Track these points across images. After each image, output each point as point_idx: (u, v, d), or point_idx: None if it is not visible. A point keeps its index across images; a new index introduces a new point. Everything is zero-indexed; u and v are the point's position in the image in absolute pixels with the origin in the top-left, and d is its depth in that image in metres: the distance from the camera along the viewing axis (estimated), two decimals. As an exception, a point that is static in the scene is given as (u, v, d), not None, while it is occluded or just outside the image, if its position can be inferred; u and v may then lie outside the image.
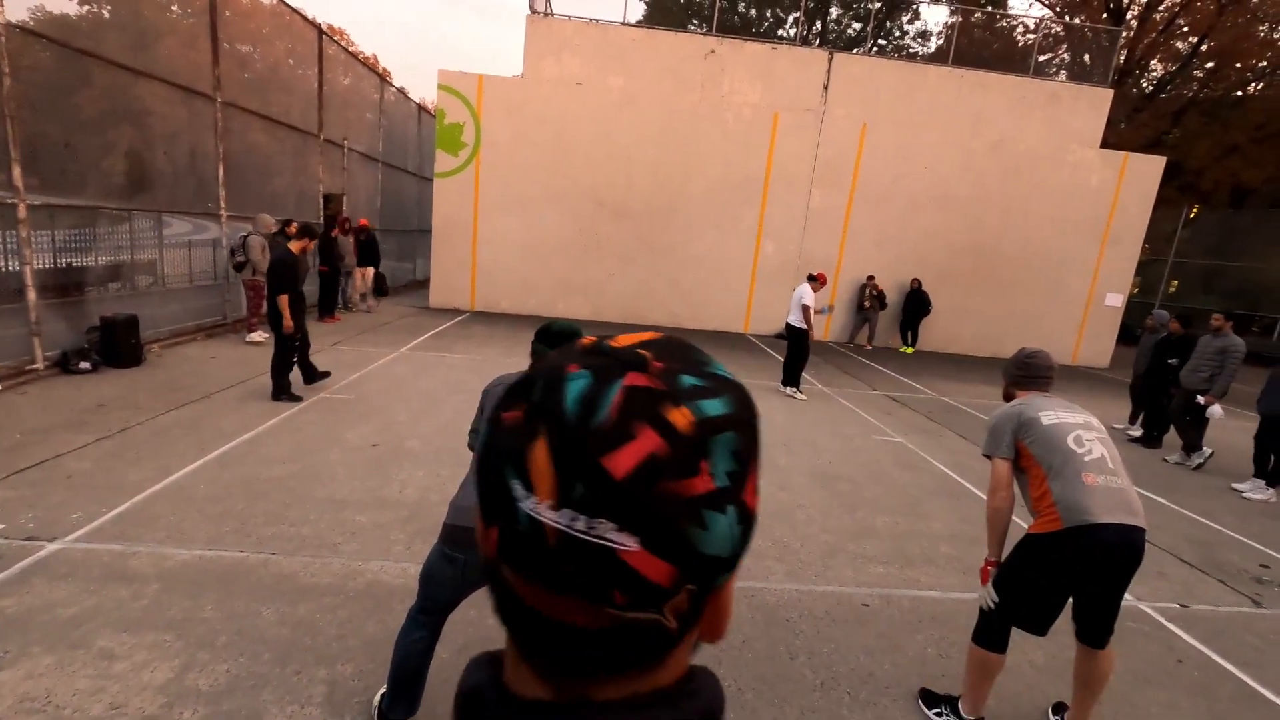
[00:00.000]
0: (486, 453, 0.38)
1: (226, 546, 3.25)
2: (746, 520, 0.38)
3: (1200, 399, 6.24)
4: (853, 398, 8.11)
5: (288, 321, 5.61)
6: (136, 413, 5.08)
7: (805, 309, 7.48)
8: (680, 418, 0.36)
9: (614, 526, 0.34)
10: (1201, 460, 6.46)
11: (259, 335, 7.90)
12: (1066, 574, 2.24)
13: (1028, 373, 2.53)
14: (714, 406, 0.37)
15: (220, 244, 8.49)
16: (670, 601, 0.37)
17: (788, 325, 7.75)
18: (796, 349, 7.70)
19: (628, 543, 0.34)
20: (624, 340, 0.40)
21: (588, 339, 0.42)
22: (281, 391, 5.70)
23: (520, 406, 0.38)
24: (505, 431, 0.37)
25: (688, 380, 0.38)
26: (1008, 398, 2.60)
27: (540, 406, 0.37)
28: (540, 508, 0.35)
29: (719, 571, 0.38)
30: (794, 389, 7.78)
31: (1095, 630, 2.34)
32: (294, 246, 5.85)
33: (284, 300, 5.58)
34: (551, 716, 0.39)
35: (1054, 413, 2.36)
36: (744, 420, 0.38)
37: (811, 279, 7.66)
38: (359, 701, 2.30)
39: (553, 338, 2.13)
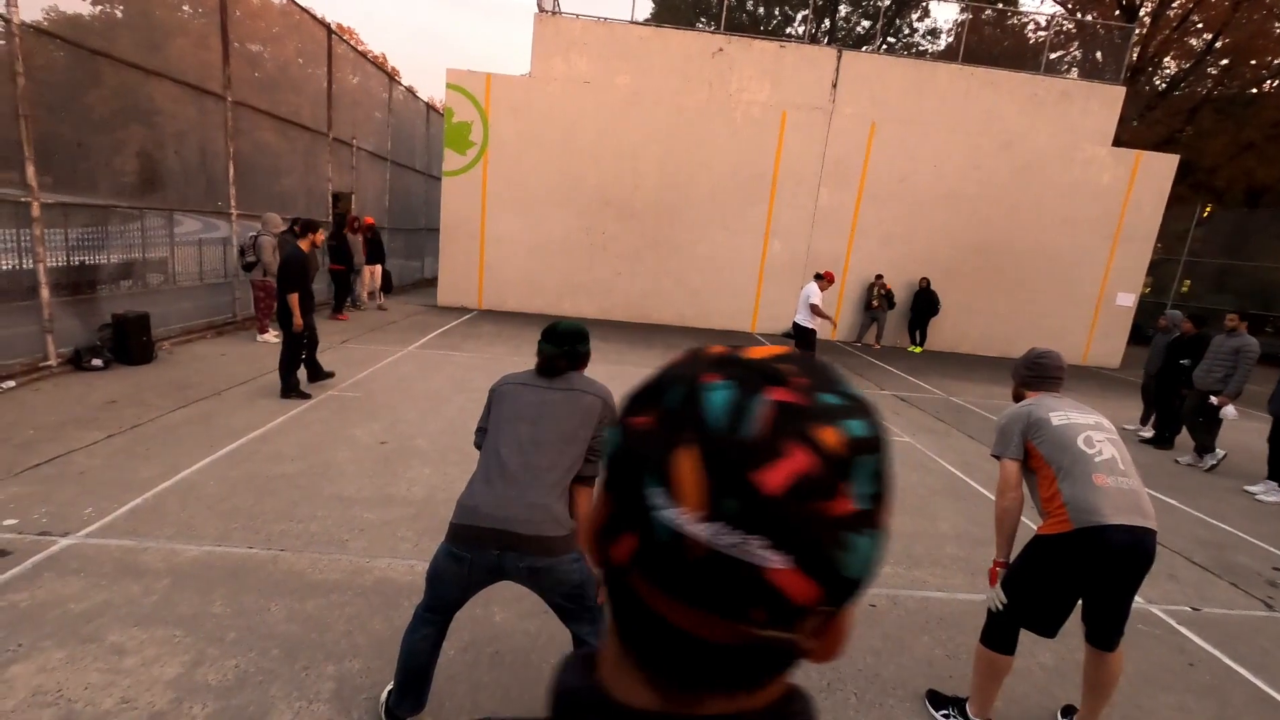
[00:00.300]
0: (620, 458, 0.38)
1: (236, 543, 3.28)
2: (881, 545, 0.38)
3: (1213, 399, 6.18)
4: (860, 397, 8.06)
5: (298, 320, 5.64)
6: (147, 410, 5.13)
7: (813, 307, 7.47)
8: (830, 437, 0.35)
9: (766, 543, 0.33)
10: (1214, 462, 6.39)
11: (271, 335, 7.95)
12: (1076, 576, 2.22)
13: (1038, 373, 2.51)
14: (858, 427, 0.36)
15: (230, 242, 8.55)
16: (806, 622, 0.36)
17: (795, 324, 7.74)
18: (803, 348, 7.68)
19: (777, 561, 0.34)
20: (757, 353, 0.39)
21: (716, 348, 0.41)
22: (290, 389, 5.74)
23: (650, 412, 0.37)
24: (640, 437, 0.37)
25: (828, 399, 0.37)
26: (1017, 398, 2.58)
27: (680, 414, 0.36)
28: (686, 519, 0.34)
29: (853, 594, 0.37)
30: None
31: (1105, 632, 2.32)
32: (303, 244, 5.88)
33: (294, 299, 5.61)
34: None
35: (1064, 413, 2.34)
36: (882, 443, 0.38)
37: (819, 277, 7.64)
38: (366, 698, 2.31)
39: (559, 337, 2.13)
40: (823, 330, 7.65)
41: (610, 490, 0.38)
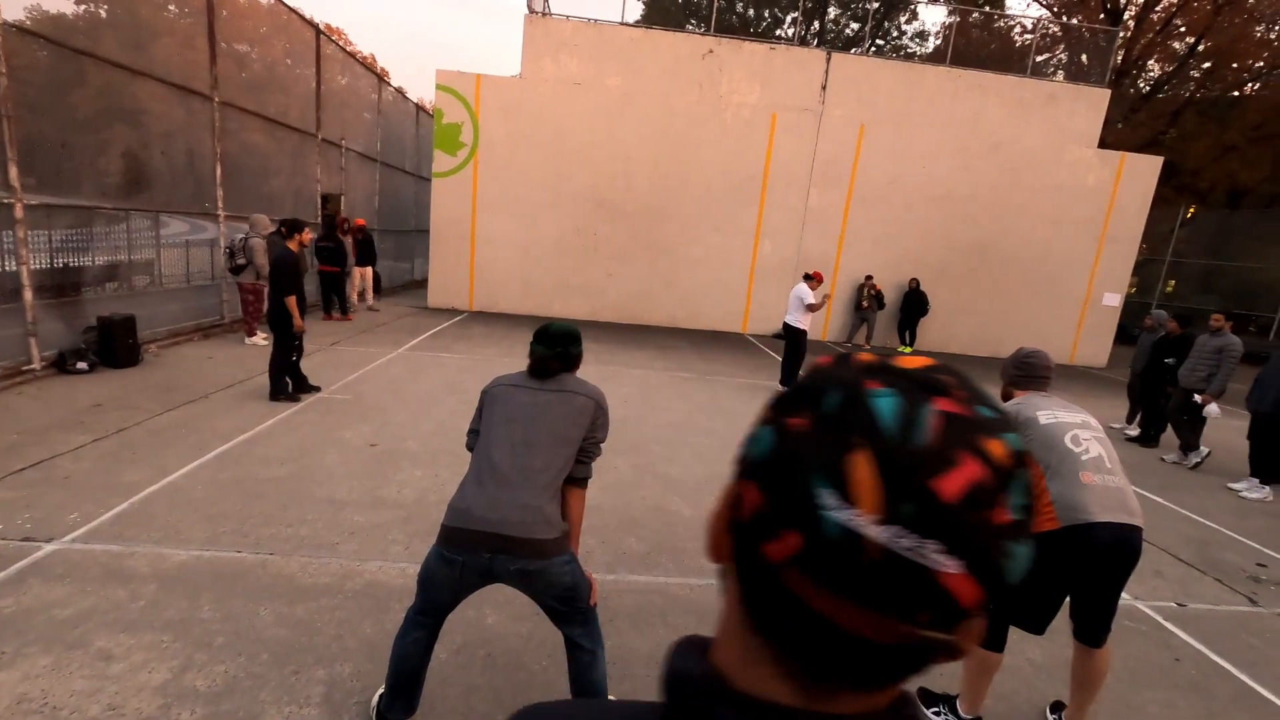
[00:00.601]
0: (778, 457, 0.39)
1: (224, 547, 3.25)
2: (1030, 555, 0.39)
3: (1197, 398, 6.26)
4: (851, 397, 8.11)
5: (298, 322, 5.60)
6: (133, 413, 5.07)
7: (810, 306, 7.52)
8: (997, 449, 0.37)
9: (941, 548, 0.35)
10: (1199, 460, 6.47)
11: (260, 338, 7.88)
12: (1064, 573, 2.25)
13: (1026, 372, 2.53)
14: (1015, 440, 0.38)
15: (218, 244, 8.47)
16: (964, 623, 0.37)
17: (785, 325, 7.77)
18: (793, 348, 7.72)
19: (951, 565, 0.35)
20: (910, 362, 0.41)
21: (864, 355, 0.42)
22: (279, 392, 5.69)
23: (807, 414, 0.39)
24: (801, 439, 0.38)
25: (985, 411, 0.38)
26: (1006, 397, 2.60)
27: (845, 419, 0.37)
28: (862, 521, 0.35)
29: (1002, 598, 0.38)
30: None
31: (1092, 629, 2.34)
32: (291, 245, 5.84)
33: (292, 301, 5.57)
34: None
35: (1052, 412, 2.37)
36: (1029, 457, 0.39)
37: (808, 278, 7.67)
38: (357, 702, 2.29)
39: (551, 339, 2.13)
40: (815, 328, 7.68)
41: (764, 488, 0.39)
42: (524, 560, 1.88)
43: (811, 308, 7.52)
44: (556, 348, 2.13)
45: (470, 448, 2.15)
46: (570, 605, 2.01)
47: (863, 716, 0.40)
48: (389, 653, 2.11)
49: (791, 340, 7.71)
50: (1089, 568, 2.22)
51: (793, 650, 0.39)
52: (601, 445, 2.17)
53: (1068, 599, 2.33)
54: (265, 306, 8.05)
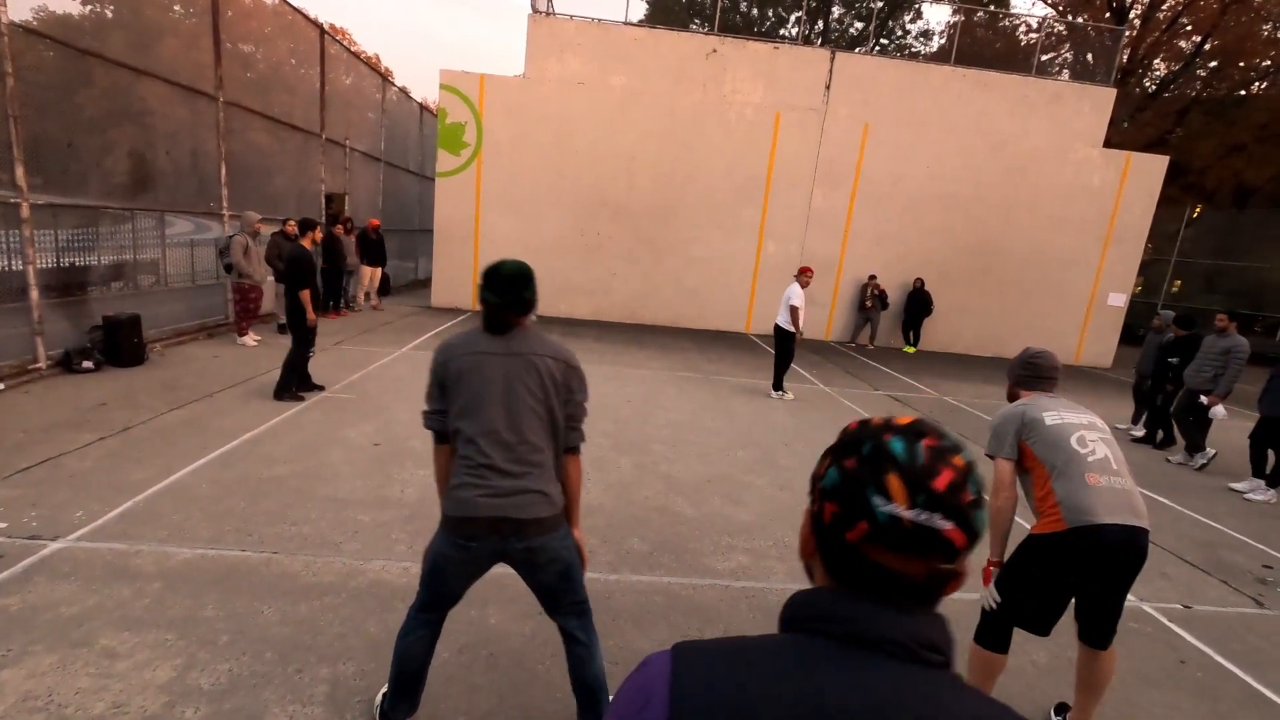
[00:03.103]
0: (845, 484, 0.66)
1: (228, 545, 3.26)
2: (987, 514, 0.66)
3: (1203, 399, 6.23)
4: (855, 398, 8.10)
5: (311, 316, 5.67)
6: (139, 412, 5.09)
7: (794, 309, 7.22)
8: (958, 460, 0.65)
9: (940, 516, 0.62)
10: (1205, 461, 6.44)
11: (250, 339, 7.90)
12: (1069, 574, 2.23)
13: (1032, 373, 2.52)
14: (966, 454, 0.67)
15: (222, 243, 8.49)
16: (959, 559, 0.64)
17: (776, 326, 7.49)
18: (781, 352, 7.49)
19: (948, 525, 0.62)
20: (903, 420, 0.69)
21: (876, 419, 0.70)
22: (285, 389, 5.71)
23: (854, 457, 0.66)
24: (856, 470, 0.65)
25: (947, 441, 0.67)
26: (1012, 398, 2.59)
27: (879, 457, 0.65)
28: (900, 510, 0.62)
29: (978, 540, 0.65)
30: (779, 392, 7.61)
31: (1098, 631, 2.33)
32: (304, 243, 5.87)
33: (306, 295, 5.61)
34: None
35: (1058, 413, 2.36)
36: (974, 461, 0.67)
37: (798, 275, 7.39)
38: (360, 701, 2.30)
39: (504, 284, 1.97)
40: (820, 328, 7.50)
41: (838, 502, 0.66)
42: (529, 539, 1.91)
43: (794, 310, 7.19)
44: (509, 295, 1.97)
45: (431, 428, 2.02)
46: (569, 583, 2.02)
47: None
48: (392, 652, 2.11)
49: (779, 343, 7.46)
50: (1095, 569, 2.20)
51: (862, 587, 0.65)
52: (585, 405, 2.05)
53: (1072, 601, 2.32)
54: (260, 306, 8.08)
